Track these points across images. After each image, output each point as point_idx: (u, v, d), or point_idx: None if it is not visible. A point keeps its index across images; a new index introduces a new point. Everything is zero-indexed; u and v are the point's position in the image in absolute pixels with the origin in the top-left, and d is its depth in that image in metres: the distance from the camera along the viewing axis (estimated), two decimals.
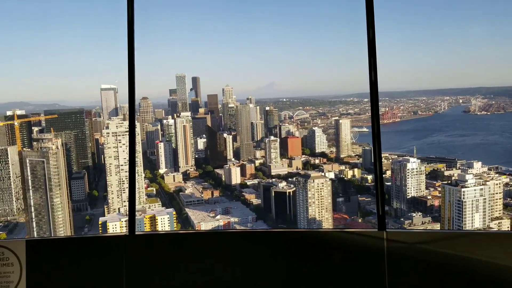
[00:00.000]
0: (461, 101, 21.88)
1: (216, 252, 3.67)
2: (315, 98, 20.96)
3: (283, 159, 20.90)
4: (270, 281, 3.66)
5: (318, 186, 19.63)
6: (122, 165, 20.99)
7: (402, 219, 21.36)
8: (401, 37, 27.11)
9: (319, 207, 20.02)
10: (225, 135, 21.49)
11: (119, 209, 21.14)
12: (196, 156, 21.99)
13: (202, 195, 21.39)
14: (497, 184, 19.85)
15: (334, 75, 25.00)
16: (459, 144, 21.26)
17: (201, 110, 22.56)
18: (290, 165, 20.85)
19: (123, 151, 20.84)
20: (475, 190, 19.98)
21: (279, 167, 20.77)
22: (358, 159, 21.08)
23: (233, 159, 21.32)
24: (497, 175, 19.63)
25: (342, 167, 21.00)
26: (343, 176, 21.11)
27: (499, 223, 20.37)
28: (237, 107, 21.37)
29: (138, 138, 21.16)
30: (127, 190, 20.79)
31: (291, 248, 3.67)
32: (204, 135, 22.16)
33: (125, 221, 20.52)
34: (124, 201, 21.19)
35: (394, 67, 25.66)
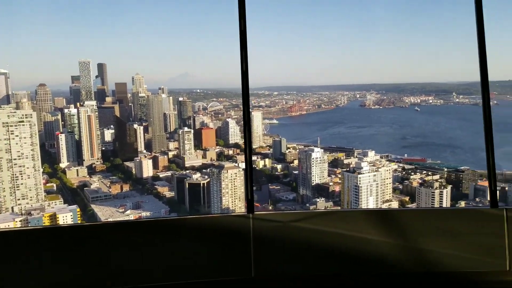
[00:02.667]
0: (358, 96, 22.07)
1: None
2: (228, 90, 19.42)
3: (197, 151, 19.07)
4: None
5: (231, 177, 18.34)
6: (15, 159, 17.24)
7: (307, 205, 21.11)
8: (308, 36, 26.66)
9: (233, 196, 18.80)
10: (135, 126, 18.89)
11: (12, 208, 17.40)
12: (103, 148, 19.01)
13: (110, 189, 18.64)
14: (387, 170, 20.40)
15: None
16: (356, 135, 21.47)
17: (108, 99, 19.53)
18: (204, 156, 19.13)
19: (17, 143, 17.10)
20: (369, 176, 20.37)
21: (193, 158, 18.93)
22: (269, 150, 20.13)
23: (144, 151, 18.88)
24: (387, 162, 20.16)
25: (254, 158, 19.88)
26: (255, 166, 20.01)
27: (389, 205, 21.33)
28: (149, 97, 18.88)
29: (35, 129, 17.50)
30: (22, 187, 17.30)
31: (164, 236, 3.67)
32: (112, 126, 19.22)
33: (20, 221, 17.13)
34: (19, 199, 17.52)
35: (300, 63, 25.15)
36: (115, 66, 21.05)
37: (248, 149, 3.99)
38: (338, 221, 3.99)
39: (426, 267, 3.84)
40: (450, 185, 18.81)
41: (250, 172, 3.99)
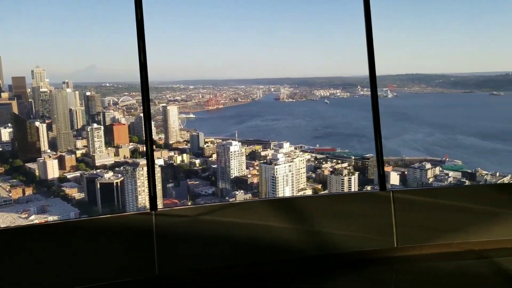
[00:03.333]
0: (272, 89, 22.65)
1: None
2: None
3: (109, 148, 18.11)
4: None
5: (147, 174, 17.73)
6: None
7: (227, 198, 21.26)
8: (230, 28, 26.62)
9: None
10: (37, 123, 17.35)
11: None
12: (0, 149, 17.23)
13: (11, 194, 16.96)
14: (301, 160, 21.27)
15: (160, 60, 22.94)
16: (272, 128, 22.06)
17: (5, 95, 17.68)
18: (117, 154, 18.23)
19: None
20: (285, 166, 21.07)
21: (104, 156, 17.94)
22: (187, 145, 19.87)
23: (48, 151, 17.45)
24: (301, 152, 21.02)
25: (172, 153, 19.51)
26: (173, 162, 19.63)
27: (303, 193, 22.34)
28: (51, 92, 17.43)
29: None
30: None
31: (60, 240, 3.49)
32: (9, 124, 17.45)
33: None
34: None
35: (215, 57, 25.05)
36: (11, 59, 19.13)
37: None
38: (242, 212, 4.08)
39: (325, 249, 4.08)
40: (358, 172, 20.08)
41: (152, 169, 3.90)
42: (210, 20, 25.31)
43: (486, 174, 17.59)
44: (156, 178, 3.95)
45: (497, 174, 17.44)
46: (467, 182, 17.68)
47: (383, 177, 4.36)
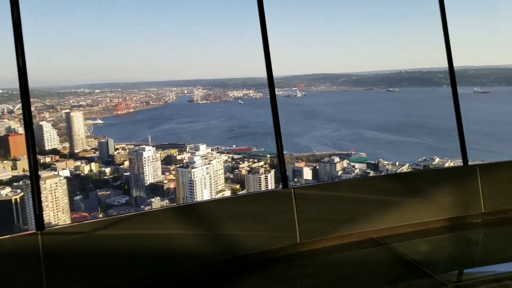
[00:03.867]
0: (186, 91, 22.28)
1: None
2: (40, 89, 17.15)
3: (5, 161, 16.37)
4: None
5: (51, 187, 16.33)
6: None
7: (142, 206, 20.43)
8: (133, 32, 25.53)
9: (54, 209, 16.78)
10: None
11: None
12: None
13: None
14: (218, 161, 21.21)
15: (58, 64, 21.30)
16: (187, 130, 21.72)
17: None
18: (14, 168, 16.55)
19: None
20: (202, 169, 20.84)
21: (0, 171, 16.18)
22: (95, 153, 18.68)
23: None
24: (218, 154, 20.96)
25: (78, 163, 18.18)
26: (80, 172, 18.30)
27: (222, 194, 22.32)
28: None
29: None
30: None
31: None
32: None
33: None
34: None
35: (124, 58, 23.93)
36: None
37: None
38: (143, 223, 3.88)
39: (231, 252, 4.03)
40: (273, 169, 20.51)
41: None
42: (117, 20, 24.14)
43: (388, 164, 19.05)
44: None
45: (397, 163, 18.96)
46: (372, 173, 19.01)
47: (284, 176, 4.44)
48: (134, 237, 3.73)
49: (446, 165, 16.50)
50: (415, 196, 4.97)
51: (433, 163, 17.65)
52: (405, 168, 18.35)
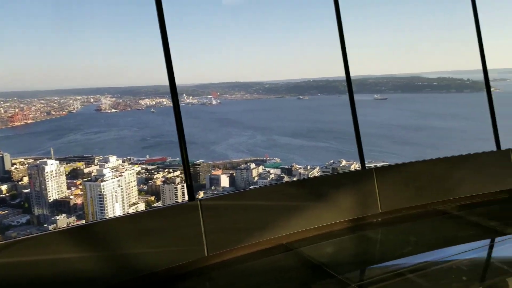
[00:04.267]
0: (92, 100, 20.99)
1: None
2: None
3: None
4: None
5: None
6: None
7: (46, 225, 18.69)
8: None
9: None
10: None
11: None
12: None
13: None
14: (131, 173, 20.25)
15: None
16: (95, 141, 20.42)
17: None
18: None
19: None
20: (113, 182, 19.71)
21: None
22: None
23: None
24: (130, 165, 20.05)
25: None
26: None
27: (136, 207, 21.33)
28: None
29: None
30: None
31: None
32: None
33: None
34: None
35: (22, 65, 21.86)
36: None
37: None
38: (32, 248, 3.46)
39: (135, 272, 3.79)
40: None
41: None
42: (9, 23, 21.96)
43: (300, 168, 19.78)
44: None
45: (308, 167, 19.78)
46: (286, 177, 19.61)
47: (191, 188, 4.31)
48: (19, 265, 3.31)
49: (352, 167, 17.63)
50: (320, 200, 5.17)
51: (341, 165, 18.71)
52: (315, 171, 19.25)
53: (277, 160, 20.16)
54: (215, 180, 20.88)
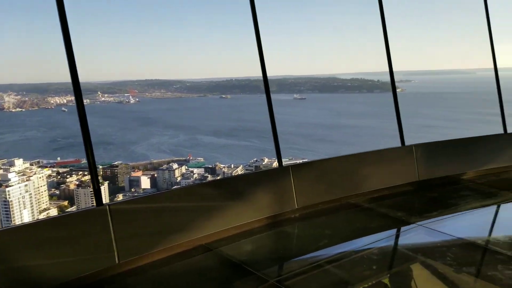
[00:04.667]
0: None
1: None
2: None
3: None
4: None
5: None
6: None
7: None
8: None
9: None
10: None
11: None
12: None
13: None
14: (40, 177, 18.68)
15: None
16: None
17: None
18: None
19: None
20: (20, 187, 18.02)
21: None
22: None
23: None
24: (39, 168, 18.53)
25: None
26: None
27: (47, 213, 19.70)
28: None
29: None
30: None
31: None
32: None
33: None
34: None
35: None
36: None
37: None
38: None
39: (36, 285, 3.42)
40: (107, 181, 19.10)
41: None
42: None
43: (224, 166, 19.76)
44: None
45: (232, 165, 19.83)
46: (210, 177, 19.47)
47: (98, 192, 4.01)
48: None
49: (274, 164, 18.04)
50: (238, 199, 5.15)
51: (263, 163, 19.03)
52: (239, 170, 19.39)
53: (201, 159, 19.94)
54: (135, 182, 20.04)
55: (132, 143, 20.54)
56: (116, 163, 19.63)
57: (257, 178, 5.46)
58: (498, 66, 7.43)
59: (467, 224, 5.53)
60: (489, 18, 7.43)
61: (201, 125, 22.33)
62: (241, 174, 9.57)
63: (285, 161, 5.88)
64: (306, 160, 7.49)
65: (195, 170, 19.49)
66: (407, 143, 6.78)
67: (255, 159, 19.79)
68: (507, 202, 6.15)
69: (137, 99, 21.44)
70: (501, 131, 7.45)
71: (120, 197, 19.17)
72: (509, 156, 7.31)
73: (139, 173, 18.62)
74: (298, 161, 7.24)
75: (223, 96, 22.82)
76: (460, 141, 7.15)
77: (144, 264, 4.25)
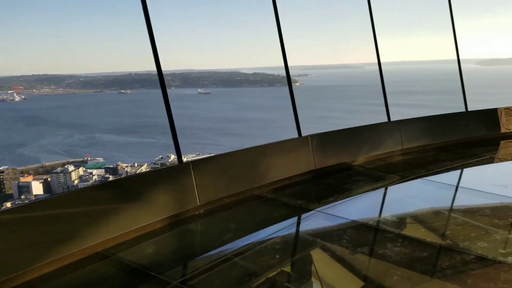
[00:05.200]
0: None
1: None
2: None
3: None
4: None
5: None
6: None
7: None
8: None
9: None
10: None
11: None
12: None
13: None
14: None
15: None
16: None
17: None
18: None
19: None
20: None
21: None
22: None
23: None
24: None
25: None
26: None
27: None
28: None
29: None
30: None
31: None
32: None
33: None
34: None
35: None
36: None
37: None
38: None
39: None
40: None
41: None
42: None
43: (126, 166, 18.78)
44: None
45: (136, 164, 18.93)
46: (111, 177, 18.33)
47: None
48: None
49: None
50: (136, 200, 4.84)
51: (169, 160, 18.50)
52: (144, 168, 18.59)
53: (100, 159, 18.72)
54: (25, 188, 18.04)
55: (19, 145, 18.48)
56: (1, 168, 17.50)
57: (155, 177, 5.18)
58: (382, 60, 8.07)
59: (361, 207, 5.91)
60: (372, 16, 8.03)
61: (99, 123, 20.93)
62: (137, 173, 9.09)
63: (192, 157, 5.70)
64: (213, 154, 7.38)
65: (95, 172, 18.21)
66: (307, 133, 7.05)
67: (160, 156, 19.16)
68: (393, 184, 6.73)
69: (23, 97, 19.27)
70: (386, 119, 8.14)
71: (8, 205, 17.11)
72: (393, 142, 8.02)
73: (29, 178, 16.79)
74: (199, 157, 7.10)
75: (123, 91, 21.62)
76: (351, 130, 7.64)
77: (29, 280, 3.77)
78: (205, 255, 4.60)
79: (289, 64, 7.10)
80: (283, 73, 7.22)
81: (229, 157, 6.10)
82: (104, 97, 21.57)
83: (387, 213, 5.69)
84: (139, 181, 5.03)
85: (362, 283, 3.93)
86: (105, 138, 20.32)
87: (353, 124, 7.90)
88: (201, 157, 6.47)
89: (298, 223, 5.46)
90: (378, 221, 5.28)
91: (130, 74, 22.55)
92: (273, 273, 4.01)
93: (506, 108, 9.59)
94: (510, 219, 5.06)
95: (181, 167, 5.38)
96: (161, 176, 5.22)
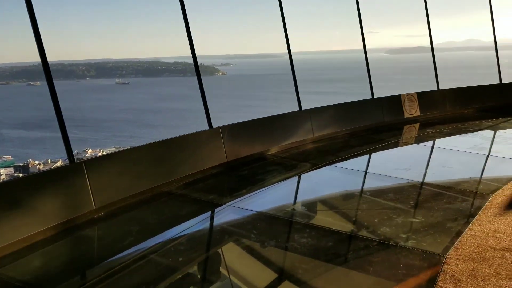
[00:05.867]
0: None
1: None
2: None
3: None
4: None
5: None
6: None
7: None
8: None
9: None
10: None
11: None
12: None
13: None
14: None
15: None
16: None
17: None
18: None
19: None
20: None
21: None
22: None
23: None
24: None
25: None
26: None
27: None
28: None
29: None
30: None
31: None
32: None
33: None
34: None
35: None
36: None
37: None
38: None
39: None
40: None
41: None
42: None
43: (39, 163, 17.16)
44: None
45: (49, 161, 17.34)
46: (21, 176, 16.67)
47: None
48: None
49: (100, 154, 16.46)
50: (17, 208, 4.15)
51: (87, 155, 17.20)
52: (58, 164, 17.11)
53: (8, 157, 16.92)
54: None
55: None
56: None
57: (40, 180, 4.48)
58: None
59: (272, 198, 5.73)
60: (282, 6, 7.87)
61: (6, 117, 18.81)
62: (19, 177, 8.10)
63: (112, 150, 5.04)
64: (115, 151, 6.73)
65: (2, 171, 16.43)
66: (228, 123, 6.72)
67: (76, 152, 17.67)
68: (305, 172, 6.65)
69: None
70: (298, 108, 8.06)
71: None
72: (305, 130, 7.98)
73: None
74: (95, 155, 6.42)
75: (32, 83, 19.58)
76: (263, 120, 7.44)
77: None
78: (100, 264, 4.09)
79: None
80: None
81: (132, 153, 5.54)
82: (11, 89, 19.43)
83: (296, 203, 5.58)
84: (21, 186, 4.32)
85: (270, 277, 3.73)
86: (13, 135, 18.38)
87: (270, 112, 7.73)
88: (99, 155, 5.82)
89: (208, 219, 5.13)
90: (287, 212, 5.13)
91: (38, 65, 20.44)
92: (177, 277, 3.67)
93: (408, 94, 10.07)
94: (411, 202, 5.18)
95: (72, 168, 4.73)
96: (48, 179, 4.53)
